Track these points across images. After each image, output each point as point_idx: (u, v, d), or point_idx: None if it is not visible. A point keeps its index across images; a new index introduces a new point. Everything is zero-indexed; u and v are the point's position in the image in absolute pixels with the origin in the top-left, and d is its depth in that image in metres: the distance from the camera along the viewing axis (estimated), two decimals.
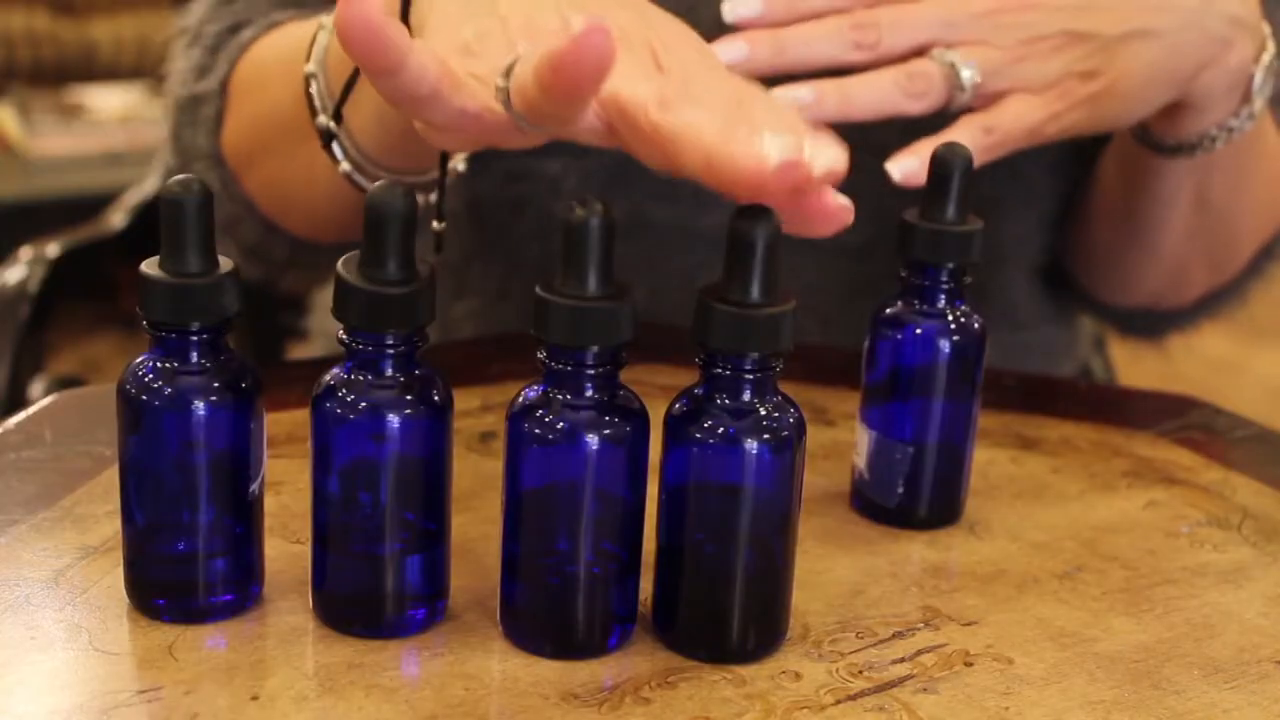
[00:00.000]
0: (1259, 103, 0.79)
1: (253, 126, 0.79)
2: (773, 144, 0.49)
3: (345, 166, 0.71)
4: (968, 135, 0.68)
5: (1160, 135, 0.81)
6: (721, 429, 0.53)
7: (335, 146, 0.70)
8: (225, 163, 0.81)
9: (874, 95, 0.69)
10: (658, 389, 0.65)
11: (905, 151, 0.69)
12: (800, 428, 0.54)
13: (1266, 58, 0.78)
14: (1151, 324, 0.97)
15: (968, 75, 0.70)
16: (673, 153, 0.51)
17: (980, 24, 0.71)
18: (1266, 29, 0.79)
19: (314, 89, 0.70)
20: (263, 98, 0.78)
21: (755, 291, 0.52)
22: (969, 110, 0.71)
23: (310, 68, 0.71)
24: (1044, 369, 0.98)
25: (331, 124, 0.69)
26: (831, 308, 0.88)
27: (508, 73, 0.53)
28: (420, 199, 0.72)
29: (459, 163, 0.73)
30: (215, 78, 0.81)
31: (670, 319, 0.85)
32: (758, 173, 0.49)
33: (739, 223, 0.51)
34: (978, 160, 0.65)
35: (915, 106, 0.70)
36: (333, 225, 0.81)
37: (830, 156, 0.51)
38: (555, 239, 0.89)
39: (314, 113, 0.71)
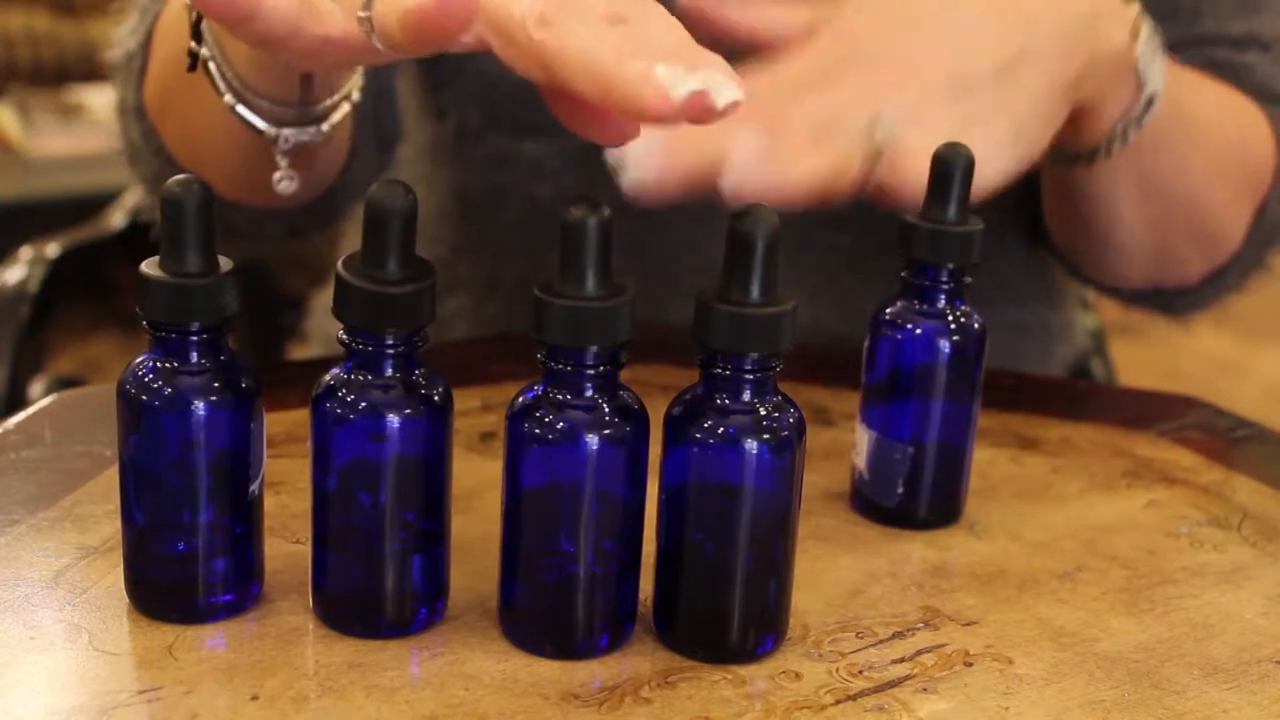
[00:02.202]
0: (1154, 82, 0.78)
1: (161, 75, 0.78)
2: (672, 78, 0.49)
3: (229, 99, 0.69)
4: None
5: (1073, 148, 0.81)
6: (721, 429, 0.53)
7: (216, 76, 0.68)
8: (147, 116, 0.80)
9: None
10: (658, 389, 0.65)
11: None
12: (800, 428, 0.54)
13: (1143, 39, 0.77)
14: (1166, 303, 0.96)
15: (887, 122, 0.69)
16: (559, 73, 0.51)
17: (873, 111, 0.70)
18: (1135, 9, 0.79)
19: (194, 18, 0.69)
20: (166, 44, 0.77)
21: (755, 291, 0.52)
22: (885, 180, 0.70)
23: None
24: (1037, 350, 0.98)
25: (192, 44, 0.68)
26: (818, 283, 0.88)
27: (367, 4, 0.52)
28: (315, 135, 0.71)
29: (353, 93, 0.72)
30: (141, 32, 0.80)
31: (656, 298, 0.85)
32: (659, 106, 0.49)
33: (738, 222, 0.51)
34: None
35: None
36: (245, 180, 0.78)
37: (730, 94, 0.50)
38: (541, 226, 0.90)
39: (199, 41, 0.69)
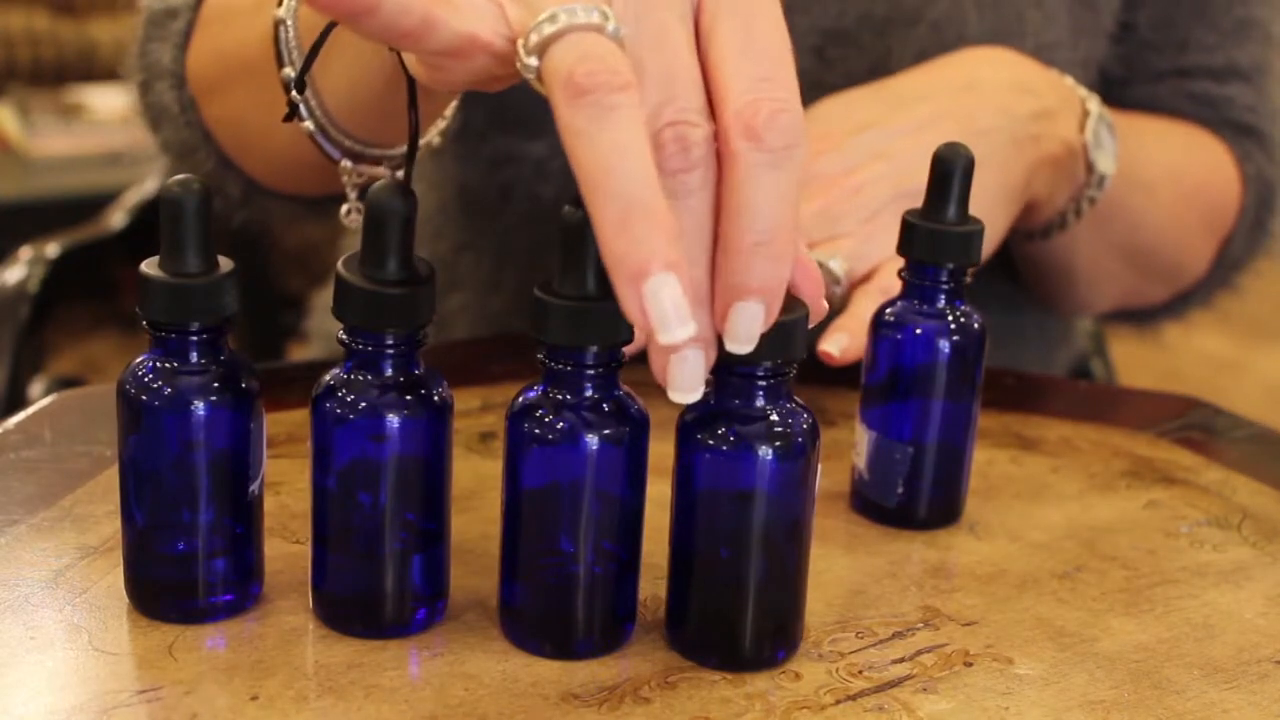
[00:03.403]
0: (1103, 164, 0.79)
1: (218, 57, 0.76)
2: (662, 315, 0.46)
3: (309, 126, 0.67)
4: (870, 304, 0.68)
5: (1025, 228, 0.83)
6: (734, 435, 0.53)
7: (301, 104, 0.67)
8: (186, 85, 0.78)
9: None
10: (658, 389, 0.65)
11: (833, 329, 0.70)
12: (814, 434, 0.54)
13: (1091, 124, 0.79)
14: (1135, 320, 0.98)
15: (837, 265, 0.71)
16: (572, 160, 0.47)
17: (820, 222, 0.72)
18: (1080, 92, 0.80)
19: (282, 37, 0.67)
20: (231, 30, 0.75)
21: None
22: (844, 300, 0.72)
23: (280, 13, 0.67)
24: (1038, 355, 0.99)
25: (295, 94, 0.66)
26: None
27: (541, 48, 0.47)
28: (386, 174, 0.69)
29: (434, 137, 0.71)
30: None
31: None
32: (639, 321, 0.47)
33: None
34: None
35: None
36: (289, 176, 0.78)
37: (680, 333, 0.47)
38: (544, 226, 0.90)
39: (280, 63, 0.67)
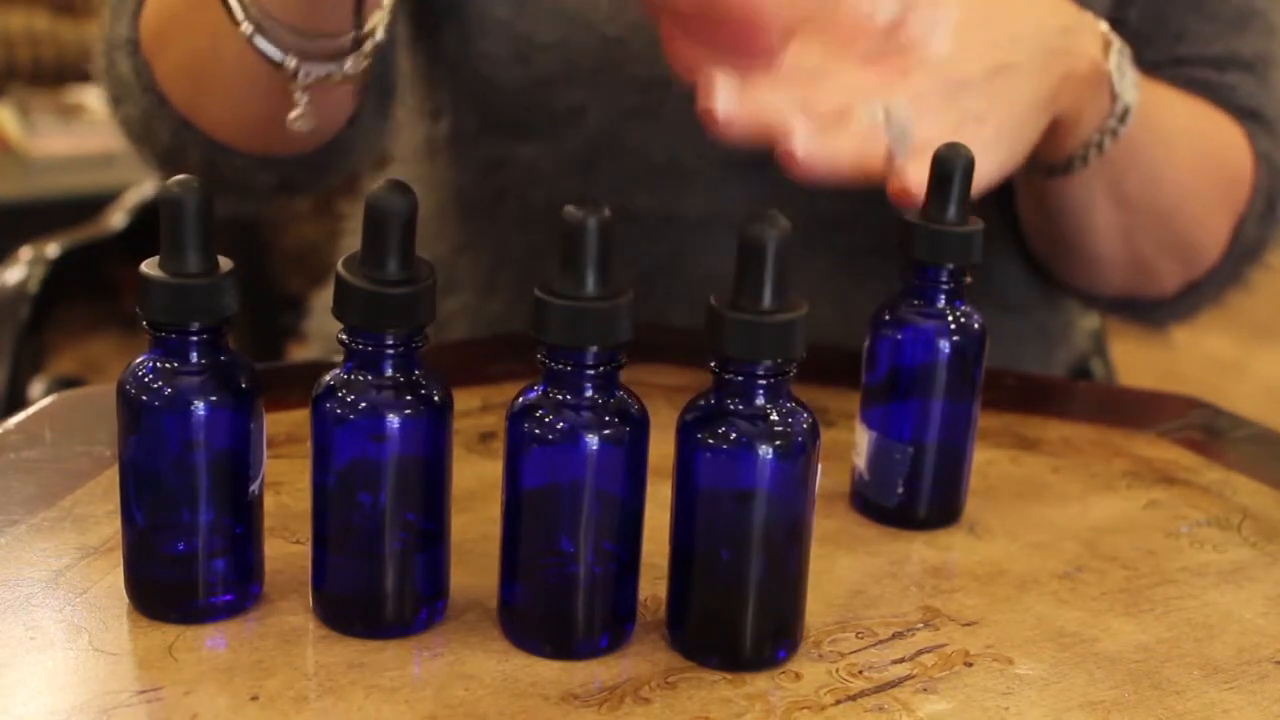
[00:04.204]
0: (1128, 95, 0.79)
1: (162, 5, 0.76)
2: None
3: (246, 27, 0.67)
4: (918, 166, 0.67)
5: (1048, 159, 0.81)
6: (734, 435, 0.53)
7: (235, 5, 0.66)
8: (140, 50, 0.78)
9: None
10: (658, 389, 0.65)
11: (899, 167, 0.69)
12: (814, 433, 0.54)
13: (1114, 53, 0.78)
14: (1143, 313, 0.97)
15: (902, 114, 0.69)
16: None
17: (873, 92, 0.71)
18: (1103, 25, 0.79)
19: None
20: None
21: (767, 297, 0.52)
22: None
23: None
24: (1038, 355, 0.98)
25: None
26: (815, 283, 0.88)
27: None
28: (335, 71, 0.68)
29: (379, 32, 0.70)
30: None
31: (655, 304, 0.85)
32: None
33: (750, 228, 0.51)
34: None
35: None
36: (245, 116, 0.78)
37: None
38: (538, 229, 0.90)
39: None
